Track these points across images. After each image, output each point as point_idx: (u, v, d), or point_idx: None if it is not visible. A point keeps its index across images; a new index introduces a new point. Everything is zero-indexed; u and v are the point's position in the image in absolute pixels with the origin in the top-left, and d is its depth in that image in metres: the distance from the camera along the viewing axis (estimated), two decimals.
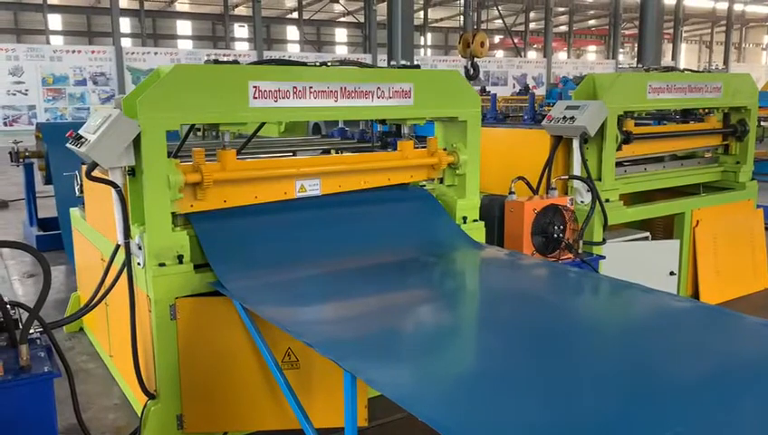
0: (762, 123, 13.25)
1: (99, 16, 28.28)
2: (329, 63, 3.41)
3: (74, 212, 4.42)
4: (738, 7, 33.39)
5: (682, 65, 30.04)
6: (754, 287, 5.41)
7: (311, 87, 3.23)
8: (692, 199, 5.11)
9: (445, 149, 3.88)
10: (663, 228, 5.18)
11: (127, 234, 2.93)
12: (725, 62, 30.07)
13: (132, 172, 2.93)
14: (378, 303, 2.87)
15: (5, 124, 21.45)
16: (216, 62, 3.06)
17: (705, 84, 5.01)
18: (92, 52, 22.67)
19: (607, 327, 2.66)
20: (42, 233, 6.89)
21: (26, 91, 21.72)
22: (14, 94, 21.65)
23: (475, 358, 2.41)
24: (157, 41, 30.67)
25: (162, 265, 2.90)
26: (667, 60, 28.06)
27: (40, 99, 21.86)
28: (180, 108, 2.88)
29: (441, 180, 3.96)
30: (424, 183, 4.01)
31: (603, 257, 4.33)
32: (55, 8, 27.20)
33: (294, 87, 3.18)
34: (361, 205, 3.58)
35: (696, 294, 5.09)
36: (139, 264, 2.98)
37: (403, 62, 3.82)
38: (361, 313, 2.76)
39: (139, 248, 2.94)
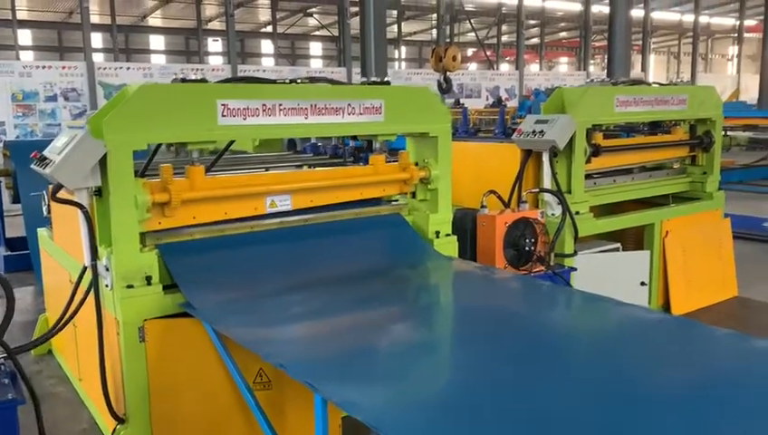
0: (728, 133, 13.57)
1: (70, 32, 27.98)
2: (298, 81, 3.41)
3: (42, 232, 4.35)
4: (704, 19, 34.15)
5: (651, 76, 30.57)
6: (723, 296, 5.50)
7: (280, 104, 3.22)
8: (661, 210, 5.19)
9: (416, 164, 3.89)
10: (634, 239, 5.25)
11: (94, 255, 2.88)
12: (693, 72, 30.65)
13: (99, 193, 2.89)
14: (351, 322, 2.86)
15: None
16: (184, 80, 3.04)
17: (671, 97, 5.10)
18: (63, 67, 22.27)
19: (582, 343, 2.66)
20: (9, 253, 6.75)
21: None
22: None
23: (451, 377, 2.39)
24: (129, 56, 30.37)
25: (130, 286, 2.86)
26: (636, 71, 28.52)
27: (9, 115, 21.49)
28: (147, 127, 2.86)
29: (413, 195, 3.97)
30: (396, 197, 4.01)
31: (575, 269, 4.36)
32: (25, 24, 26.83)
33: (263, 105, 3.17)
34: (334, 227, 3.57)
35: (666, 304, 5.15)
36: (106, 286, 2.94)
37: (374, 79, 3.81)
38: (334, 332, 2.74)
39: (107, 270, 2.90)
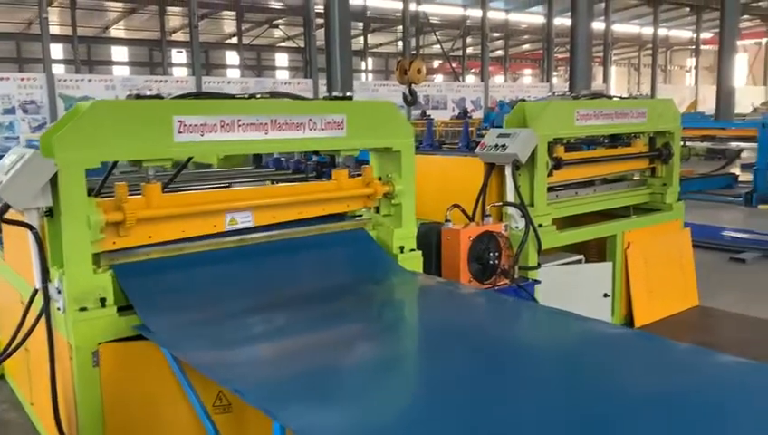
0: (686, 143, 13.89)
1: (29, 42, 27.42)
2: (258, 96, 3.36)
3: None
4: (662, 32, 35.05)
5: (612, 87, 31.20)
6: (685, 305, 5.58)
7: (239, 120, 3.16)
8: (622, 222, 5.25)
9: (380, 179, 3.87)
10: (596, 251, 5.30)
11: (44, 278, 2.78)
12: (653, 83, 31.39)
13: (50, 213, 2.79)
14: (313, 342, 2.80)
15: None
16: (139, 96, 2.97)
17: (630, 110, 5.18)
18: (22, 79, 21.84)
19: (545, 360, 2.64)
20: None
21: None
22: None
23: (414, 397, 2.35)
24: (92, 67, 29.90)
25: (83, 309, 2.76)
26: (598, 82, 29.08)
27: None
28: (100, 145, 2.77)
29: (377, 209, 3.94)
30: (361, 212, 3.98)
31: (538, 282, 4.38)
32: None
33: (222, 120, 3.11)
34: (297, 243, 3.51)
35: (629, 315, 5.20)
36: (58, 309, 2.83)
37: (335, 93, 3.78)
38: (295, 353, 2.67)
39: (59, 292, 2.79)
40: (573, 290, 4.69)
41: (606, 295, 4.94)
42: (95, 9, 26.76)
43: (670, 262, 5.55)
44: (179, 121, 2.97)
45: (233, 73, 32.39)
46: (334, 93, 3.70)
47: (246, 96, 3.34)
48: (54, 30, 25.28)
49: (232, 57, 33.28)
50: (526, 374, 2.43)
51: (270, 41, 33.35)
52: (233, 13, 27.59)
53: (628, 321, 5.21)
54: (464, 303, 3.33)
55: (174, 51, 30.83)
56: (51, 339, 2.80)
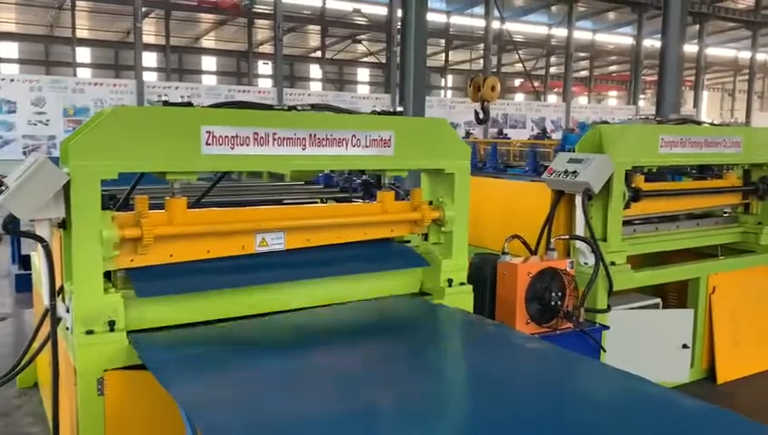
0: None
1: (127, 51, 28.75)
2: (298, 108, 3.09)
3: (34, 256, 4.11)
4: (761, 57, 32.94)
5: (703, 113, 29.52)
6: None
7: (274, 133, 2.90)
8: (707, 263, 4.66)
9: (431, 203, 3.52)
10: (678, 295, 4.72)
11: (53, 295, 2.59)
12: (748, 110, 29.48)
13: (63, 225, 2.60)
14: (326, 379, 2.46)
15: (25, 154, 21.58)
16: (167, 103, 2.76)
17: (723, 139, 4.60)
18: (114, 85, 22.85)
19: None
20: (23, 272, 6.60)
21: (47, 121, 21.90)
22: (35, 124, 21.85)
23: None
24: (182, 76, 31.01)
25: (90, 332, 2.55)
26: (688, 107, 27.58)
27: (61, 130, 22.04)
28: (119, 155, 2.56)
29: (426, 236, 3.59)
30: (408, 239, 3.64)
31: (607, 327, 3.89)
32: (84, 42, 27.71)
33: (255, 133, 2.85)
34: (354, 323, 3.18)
35: (711, 370, 4.60)
36: (67, 328, 2.64)
37: (384, 109, 3.46)
38: (301, 389, 2.33)
39: (68, 311, 2.60)
40: (647, 338, 4.17)
41: (685, 346, 4.36)
42: (188, 21, 27.80)
43: (763, 311, 4.89)
44: (208, 132, 2.74)
45: (315, 86, 32.84)
46: (383, 108, 3.36)
47: (286, 108, 3.07)
48: (149, 39, 26.40)
49: (315, 71, 33.75)
50: None
51: (353, 55, 33.64)
52: (318, 27, 27.99)
53: (710, 375, 4.61)
54: (509, 352, 2.89)
55: (260, 62, 31.54)
56: (56, 361, 2.60)
